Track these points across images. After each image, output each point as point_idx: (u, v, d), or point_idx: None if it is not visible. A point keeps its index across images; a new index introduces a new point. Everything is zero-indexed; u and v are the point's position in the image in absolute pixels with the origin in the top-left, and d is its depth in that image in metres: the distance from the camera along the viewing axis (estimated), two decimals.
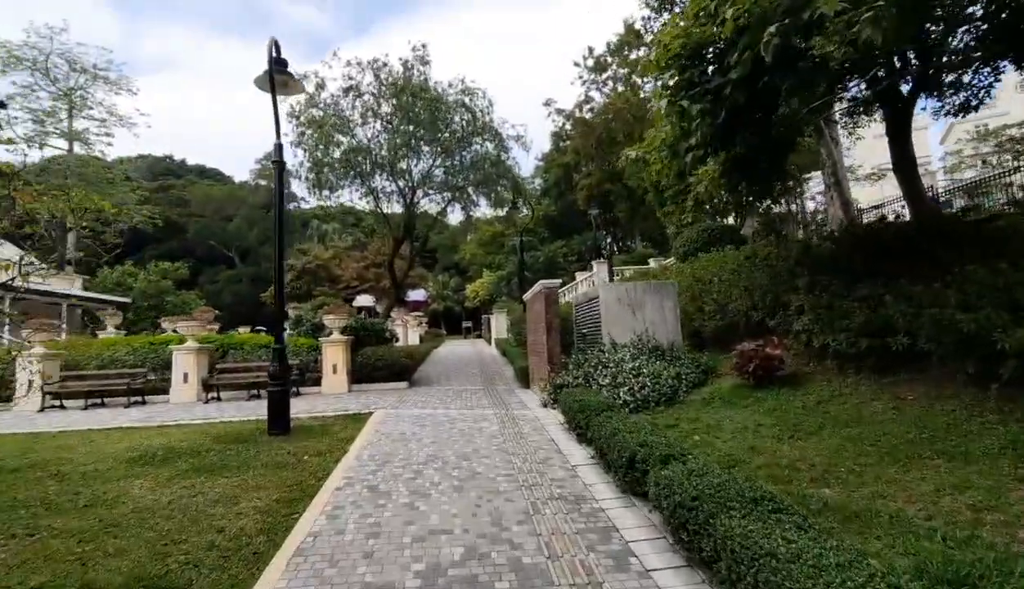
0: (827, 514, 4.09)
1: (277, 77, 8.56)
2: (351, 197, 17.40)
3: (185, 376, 12.78)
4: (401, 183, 18.19)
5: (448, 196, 20.09)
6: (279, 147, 8.44)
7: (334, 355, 13.29)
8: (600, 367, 9.82)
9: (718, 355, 10.76)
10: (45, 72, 40.50)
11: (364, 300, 44.59)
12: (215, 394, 12.78)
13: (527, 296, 13.20)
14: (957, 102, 10.41)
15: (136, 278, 40.07)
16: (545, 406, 10.05)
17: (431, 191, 19.17)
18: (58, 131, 42.10)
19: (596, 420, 6.38)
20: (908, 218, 11.31)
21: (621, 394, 8.81)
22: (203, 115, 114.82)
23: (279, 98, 8.82)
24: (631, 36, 40.49)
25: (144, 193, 55.14)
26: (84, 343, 15.79)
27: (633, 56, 40.96)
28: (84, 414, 11.58)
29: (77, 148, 44.02)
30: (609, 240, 48.36)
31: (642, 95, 42.42)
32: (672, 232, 49.74)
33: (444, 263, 74.68)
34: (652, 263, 31.64)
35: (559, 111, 41.74)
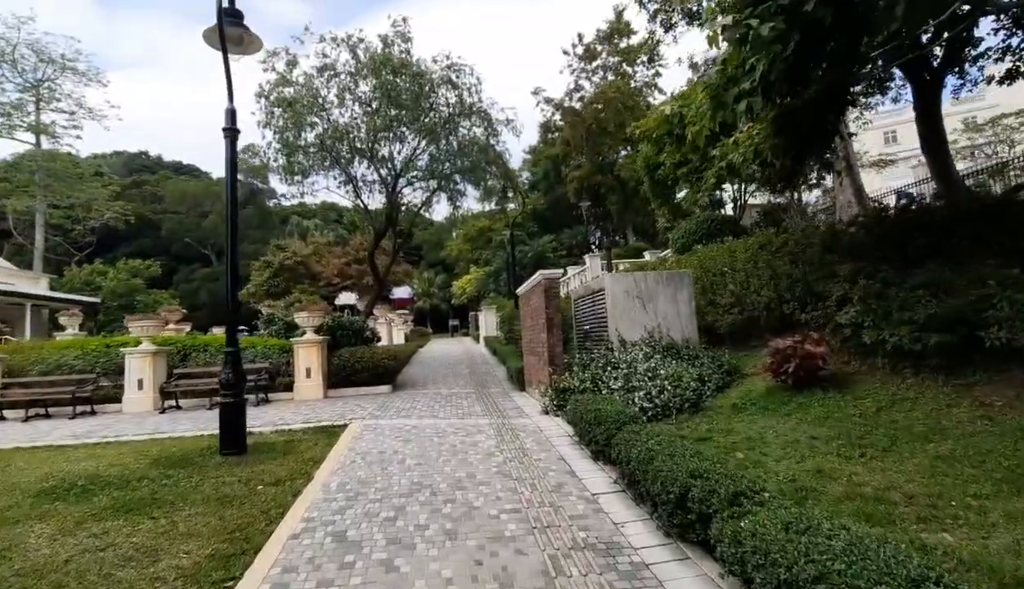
0: (971, 576, 2.92)
1: (231, 31, 7.20)
2: (327, 185, 15.98)
3: (140, 383, 11.34)
4: (383, 171, 16.81)
5: (433, 185, 18.73)
6: (231, 113, 7.09)
7: (307, 357, 11.93)
8: (609, 368, 8.63)
9: (736, 352, 9.65)
10: (12, 63, 38.30)
11: (347, 298, 42.98)
12: (173, 402, 11.35)
13: (522, 290, 11.98)
14: (1001, 70, 9.41)
15: (106, 277, 38.08)
16: (547, 413, 8.84)
17: (415, 179, 17.80)
18: (25, 124, 39.89)
19: (620, 437, 5.18)
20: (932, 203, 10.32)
21: (636, 400, 7.63)
22: (181, 111, 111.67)
23: (236, 58, 7.47)
24: (621, 24, 39.41)
25: (116, 189, 52.99)
26: (32, 346, 14.19)
27: (623, 44, 39.88)
28: (22, 427, 10.10)
29: (45, 142, 41.78)
30: (599, 234, 47.30)
31: (632, 85, 41.42)
32: (662, 226, 48.86)
33: (430, 260, 73.20)
34: (648, 256, 30.60)
35: (548, 100, 40.47)
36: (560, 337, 9.41)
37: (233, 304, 6.98)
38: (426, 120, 15.49)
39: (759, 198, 28.59)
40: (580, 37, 39.45)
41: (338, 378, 12.17)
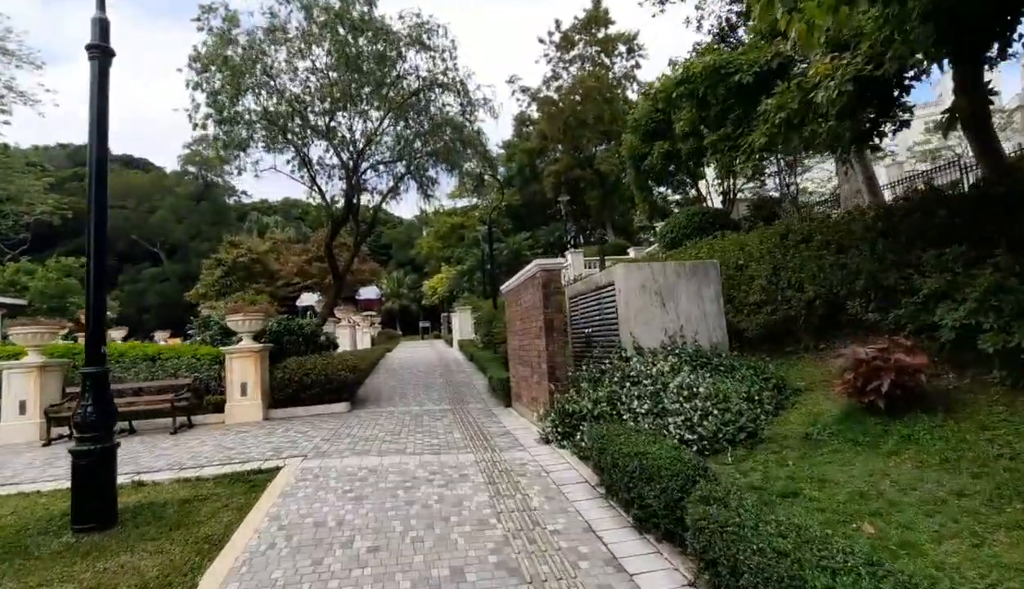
0: None
1: None
2: (275, 164, 13.57)
3: (22, 405, 8.84)
4: (344, 155, 14.52)
5: (401, 170, 16.54)
6: (100, 25, 4.87)
7: (243, 370, 9.63)
8: (628, 384, 6.70)
9: (770, 360, 7.89)
10: None
11: (308, 299, 40.09)
12: (66, 430, 8.88)
13: (508, 287, 9.96)
14: None
15: (33, 277, 34.32)
16: (547, 442, 6.86)
17: (379, 164, 15.59)
18: None
19: (698, 509, 3.22)
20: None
21: (671, 428, 5.73)
22: (136, 104, 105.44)
23: None
24: (599, 12, 37.84)
25: (50, 180, 48.57)
26: None
27: (601, 34, 38.32)
28: None
29: None
30: (575, 231, 45.61)
31: (610, 77, 39.90)
32: (639, 223, 47.56)
33: (399, 259, 70.57)
34: (632, 253, 29.02)
35: (524, 89, 38.52)
36: (563, 344, 7.42)
37: (96, 302, 4.74)
38: (391, 94, 13.27)
39: (746, 193, 27.37)
40: (558, 24, 37.75)
41: (283, 395, 9.91)
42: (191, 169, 59.34)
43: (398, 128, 14.34)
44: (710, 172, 26.10)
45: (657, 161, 23.74)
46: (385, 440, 7.32)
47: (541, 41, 38.83)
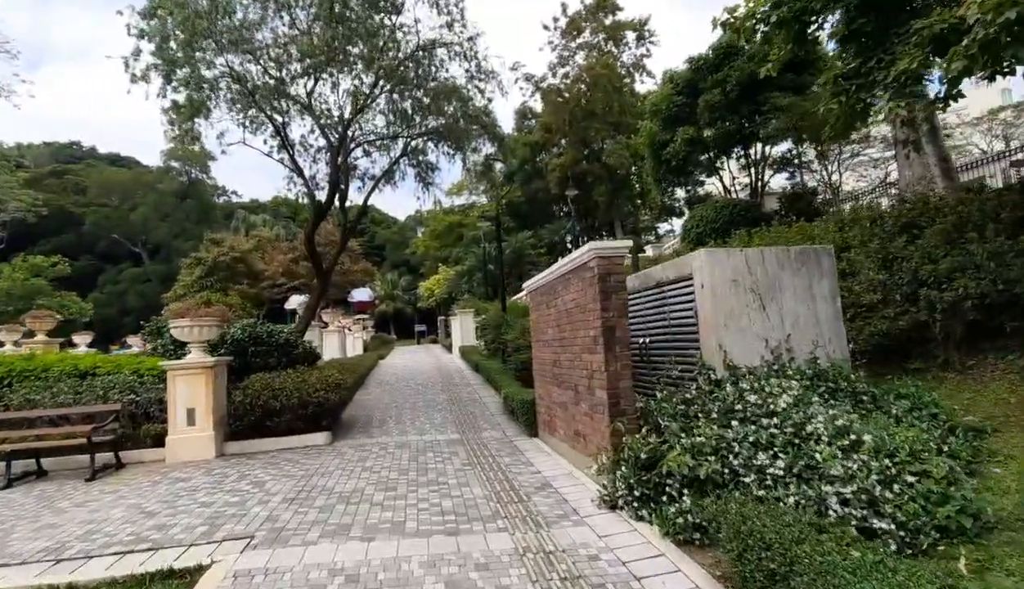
0: None
1: None
2: (244, 137, 11.28)
3: None
4: (331, 134, 12.25)
5: (396, 151, 14.30)
6: None
7: (190, 392, 7.35)
8: (735, 421, 4.50)
9: (892, 379, 5.75)
10: None
11: (298, 301, 37.68)
12: None
13: (537, 282, 7.72)
14: None
15: (0, 276, 31.80)
16: (615, 507, 4.65)
17: (371, 140, 13.34)
18: None
19: None
20: None
21: (834, 503, 3.54)
22: (124, 104, 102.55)
23: None
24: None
25: (25, 176, 45.98)
26: None
27: (609, 20, 36.21)
28: None
29: None
30: (578, 229, 43.42)
31: (619, 66, 37.79)
32: (644, 221, 45.36)
33: (393, 260, 68.30)
34: (650, 251, 26.95)
35: (528, 77, 36.24)
36: (628, 362, 5.21)
37: None
38: (385, 54, 10.98)
39: (771, 186, 25.29)
40: (564, 7, 35.57)
41: (243, 423, 7.62)
42: (175, 164, 56.89)
43: (393, 97, 12.09)
44: (732, 165, 24.08)
45: (680, 148, 21.59)
46: (375, 501, 5.06)
47: (546, 27, 36.71)
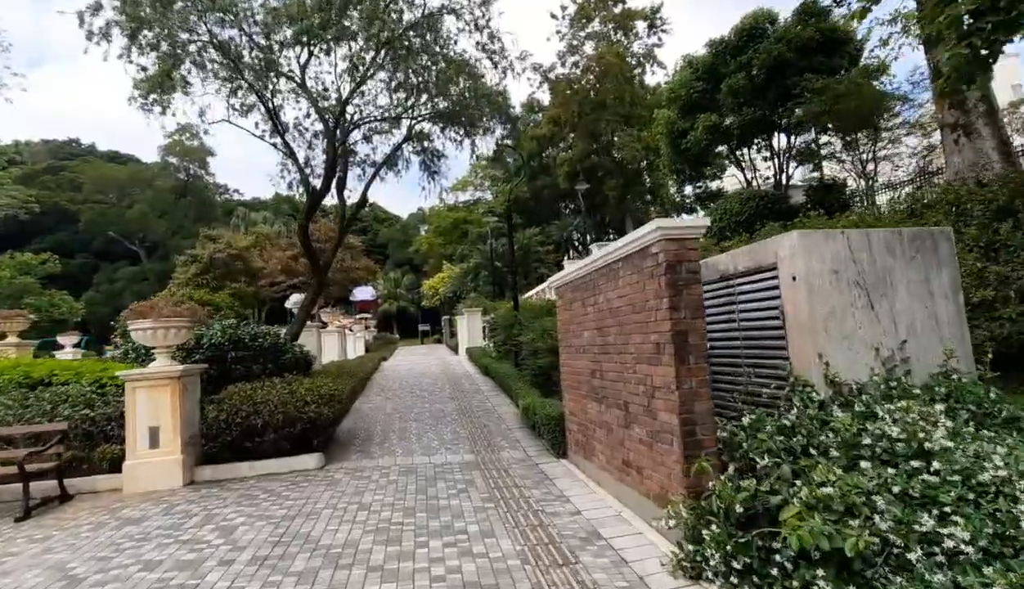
0: None
1: None
2: (228, 114, 10.05)
3: None
4: (329, 119, 11.02)
5: (398, 136, 13.05)
6: None
7: (153, 407, 6.12)
8: (863, 461, 3.25)
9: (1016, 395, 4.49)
10: None
11: (296, 300, 36.49)
12: None
13: (570, 275, 6.44)
14: None
15: None
16: (699, 578, 3.40)
17: (371, 121, 12.10)
18: None
19: None
20: None
21: None
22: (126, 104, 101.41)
23: None
24: None
25: (16, 172, 44.87)
26: None
27: (618, 9, 34.88)
28: None
29: None
30: (586, 226, 42.05)
31: (628, 56, 36.47)
32: (655, 216, 44.13)
33: (396, 258, 67.09)
34: None
35: (535, 67, 34.72)
36: (707, 377, 3.97)
37: None
38: (383, 28, 9.61)
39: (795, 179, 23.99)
40: None
41: (218, 444, 6.39)
42: (172, 160, 55.78)
43: (396, 74, 10.83)
44: (753, 156, 22.81)
45: (701, 136, 20.31)
46: (372, 563, 3.80)
47: (553, 16, 35.42)
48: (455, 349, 26.13)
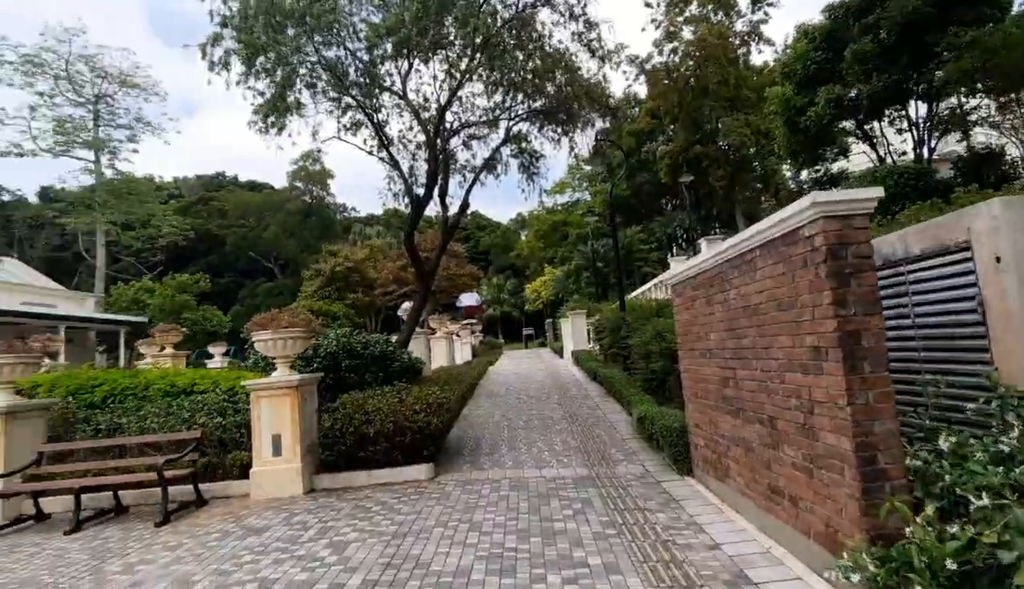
0: None
1: None
2: (338, 130, 10.53)
3: None
4: (426, 116, 11.18)
5: (497, 141, 12.94)
6: None
7: (275, 416, 6.35)
8: None
9: None
10: (68, 79, 36.99)
11: (407, 307, 38.29)
12: (33, 508, 6.11)
13: (694, 268, 5.71)
14: None
15: (152, 294, 35.58)
16: None
17: (468, 126, 12.08)
18: (82, 140, 38.46)
19: None
20: None
21: None
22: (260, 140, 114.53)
23: None
24: None
25: (176, 205, 51.88)
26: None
27: None
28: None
29: (104, 159, 40.26)
30: (689, 221, 39.50)
31: (732, 35, 33.84)
32: (768, 208, 40.49)
33: (498, 264, 68.27)
34: None
35: (631, 60, 33.48)
36: (890, 390, 3.14)
37: None
38: (478, 27, 9.39)
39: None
40: None
41: (334, 452, 6.49)
42: (298, 185, 61.46)
43: (492, 73, 10.67)
44: (888, 128, 19.94)
45: (823, 111, 18.15)
46: None
47: (648, 4, 33.85)
48: (560, 352, 25.71)
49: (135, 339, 22.07)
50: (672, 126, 36.46)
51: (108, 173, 39.67)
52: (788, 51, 21.88)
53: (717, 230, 38.47)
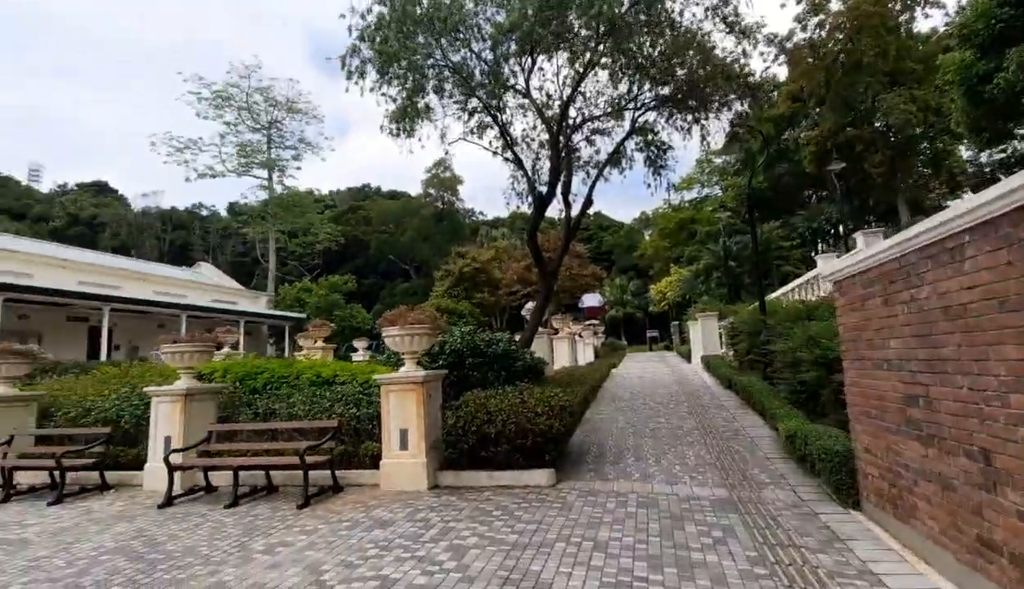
0: None
1: None
2: (464, 132, 10.74)
3: (167, 441, 7.19)
4: (549, 113, 11.00)
5: (622, 133, 12.36)
6: None
7: (401, 411, 6.54)
8: None
9: None
10: (247, 108, 43.30)
11: (531, 307, 38.67)
12: (203, 481, 6.94)
13: (865, 260, 4.79)
14: None
15: (310, 294, 40.03)
16: None
17: (591, 119, 11.65)
18: (258, 161, 44.79)
19: None
20: None
21: None
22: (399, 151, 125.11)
23: None
24: None
25: (330, 215, 58.04)
26: (65, 384, 10.51)
27: None
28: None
29: (275, 177, 46.28)
30: (836, 216, 34.64)
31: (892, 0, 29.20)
32: (936, 198, 34.15)
33: (621, 265, 66.56)
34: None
35: (769, 39, 30.40)
36: None
37: None
38: (603, 11, 8.93)
39: None
40: None
41: (457, 450, 6.52)
42: (431, 192, 65.42)
43: (619, 63, 10.16)
44: None
45: (1014, 78, 14.87)
46: None
47: None
48: (687, 357, 24.14)
49: (296, 332, 24.99)
50: (817, 109, 32.57)
51: (278, 189, 45.55)
52: (965, 11, 18.39)
53: (872, 223, 33.53)
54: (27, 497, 7.20)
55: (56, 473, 7.06)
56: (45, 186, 76.29)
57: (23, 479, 7.71)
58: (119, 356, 24.18)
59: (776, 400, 9.28)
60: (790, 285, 17.19)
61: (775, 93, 36.89)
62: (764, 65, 35.59)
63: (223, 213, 70.82)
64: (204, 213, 75.10)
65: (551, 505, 5.42)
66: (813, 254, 38.36)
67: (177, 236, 68.89)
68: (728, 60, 10.77)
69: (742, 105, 11.50)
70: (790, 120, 35.84)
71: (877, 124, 30.20)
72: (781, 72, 34.78)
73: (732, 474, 6.38)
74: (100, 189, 74.35)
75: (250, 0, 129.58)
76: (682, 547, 4.19)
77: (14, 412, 8.20)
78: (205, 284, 36.93)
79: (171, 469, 6.38)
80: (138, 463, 7.52)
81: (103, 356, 21.97)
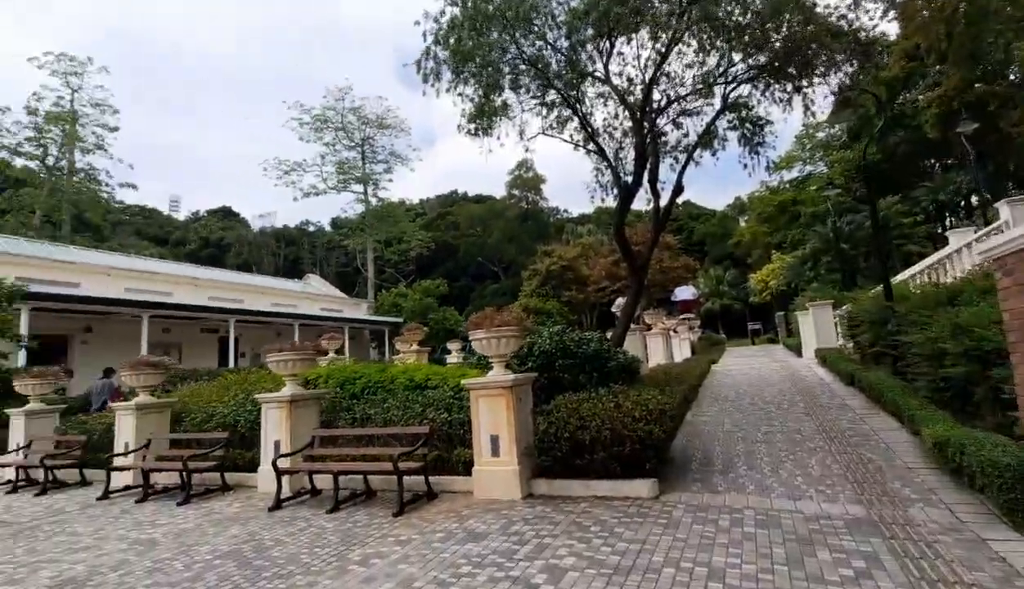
0: None
1: None
2: (538, 127, 10.44)
3: (276, 446, 7.59)
4: (633, 104, 10.42)
5: (712, 111, 11.45)
6: None
7: (492, 416, 6.37)
8: None
9: None
10: (343, 128, 46.36)
11: (621, 303, 37.53)
12: (309, 484, 7.23)
13: None
14: None
15: (406, 298, 41.75)
16: None
17: (679, 111, 10.87)
18: (355, 177, 47.78)
19: None
20: None
21: None
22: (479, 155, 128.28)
23: None
24: None
25: (422, 222, 60.54)
26: (194, 391, 10.99)
27: None
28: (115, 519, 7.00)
29: (370, 190, 49.08)
30: (968, 185, 29.89)
31: None
32: None
33: (715, 255, 62.99)
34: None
35: None
36: None
37: None
38: None
39: None
40: None
41: (550, 457, 6.23)
42: (515, 192, 66.03)
43: (706, 34, 9.36)
44: None
45: None
46: None
47: None
48: (796, 350, 22.12)
49: (394, 336, 26.17)
50: (938, 66, 28.51)
51: (373, 201, 48.23)
52: None
53: (1012, 191, 28.75)
54: (161, 496, 7.93)
55: (184, 475, 7.70)
56: (182, 214, 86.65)
57: (159, 479, 8.52)
58: (244, 363, 26.67)
59: (914, 399, 8.09)
60: (917, 266, 15.12)
61: (885, 54, 32.96)
62: (872, 23, 31.85)
63: (327, 228, 76.31)
64: (311, 229, 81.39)
65: (655, 521, 4.97)
66: (940, 230, 33.72)
67: (289, 251, 75.16)
68: (833, 17, 9.57)
69: (852, 65, 10.17)
70: (905, 82, 31.84)
71: (1012, 77, 26.02)
72: (891, 29, 30.98)
73: (868, 488, 5.53)
74: (225, 214, 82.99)
75: (343, 26, 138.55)
76: (816, 579, 3.58)
77: (151, 418, 9.12)
78: (313, 294, 39.84)
79: (279, 473, 6.70)
80: (253, 466, 8.03)
81: (231, 363, 24.27)
